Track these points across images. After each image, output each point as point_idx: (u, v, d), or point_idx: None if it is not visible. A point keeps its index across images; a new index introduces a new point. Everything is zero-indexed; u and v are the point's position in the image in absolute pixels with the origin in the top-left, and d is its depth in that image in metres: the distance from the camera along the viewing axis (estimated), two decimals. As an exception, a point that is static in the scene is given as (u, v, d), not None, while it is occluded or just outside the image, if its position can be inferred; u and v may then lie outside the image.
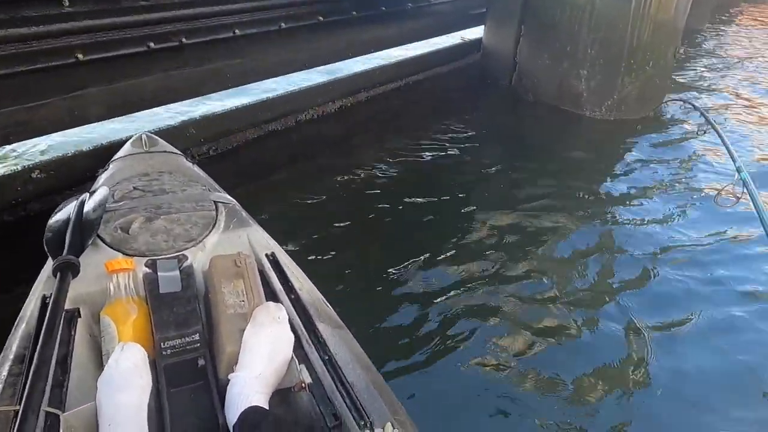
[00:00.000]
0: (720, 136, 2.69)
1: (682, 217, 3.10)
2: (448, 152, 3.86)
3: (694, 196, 3.36)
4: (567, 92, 4.58)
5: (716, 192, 2.68)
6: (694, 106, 3.40)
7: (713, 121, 2.96)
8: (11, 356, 1.14)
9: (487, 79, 5.08)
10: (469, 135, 4.22)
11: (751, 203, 2.18)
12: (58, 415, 1.01)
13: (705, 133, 3.48)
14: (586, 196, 3.32)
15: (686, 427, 1.82)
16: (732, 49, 7.49)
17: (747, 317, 2.30)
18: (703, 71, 6.37)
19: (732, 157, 2.49)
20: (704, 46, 7.56)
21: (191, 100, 2.91)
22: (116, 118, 2.53)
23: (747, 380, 2.00)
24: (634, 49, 4.27)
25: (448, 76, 4.82)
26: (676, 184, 3.55)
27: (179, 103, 2.83)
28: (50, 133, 2.28)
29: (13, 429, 0.88)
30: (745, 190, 2.25)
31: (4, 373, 1.09)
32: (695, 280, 2.52)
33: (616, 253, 2.73)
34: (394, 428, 1.01)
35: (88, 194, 1.65)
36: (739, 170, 2.37)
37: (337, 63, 3.69)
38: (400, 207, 3.09)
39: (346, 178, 3.35)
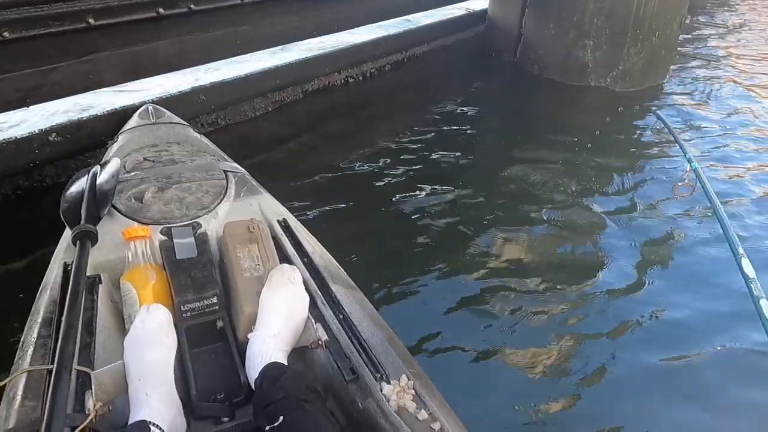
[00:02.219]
0: (671, 132, 2.74)
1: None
2: (452, 125, 3.86)
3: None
4: (572, 63, 4.54)
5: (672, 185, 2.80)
6: (657, 115, 3.34)
7: (664, 119, 2.95)
8: (39, 320, 1.18)
9: (491, 51, 5.04)
10: (473, 107, 4.21)
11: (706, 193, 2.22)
12: (89, 373, 1.05)
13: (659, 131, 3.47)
14: (587, 171, 3.30)
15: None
16: (738, 17, 7.38)
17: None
18: (708, 41, 6.29)
19: (682, 149, 2.52)
20: (711, 15, 7.44)
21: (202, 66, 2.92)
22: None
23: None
24: (640, 18, 4.22)
25: (452, 48, 4.77)
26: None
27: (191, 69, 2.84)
28: (66, 97, 2.30)
29: (48, 386, 0.92)
30: (698, 182, 2.29)
31: (34, 335, 1.14)
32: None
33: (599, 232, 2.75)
34: (408, 380, 1.06)
35: (99, 166, 1.67)
36: (689, 161, 2.43)
37: (341, 32, 3.67)
38: (405, 178, 3.12)
39: (351, 149, 3.37)
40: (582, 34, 4.38)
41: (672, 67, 4.88)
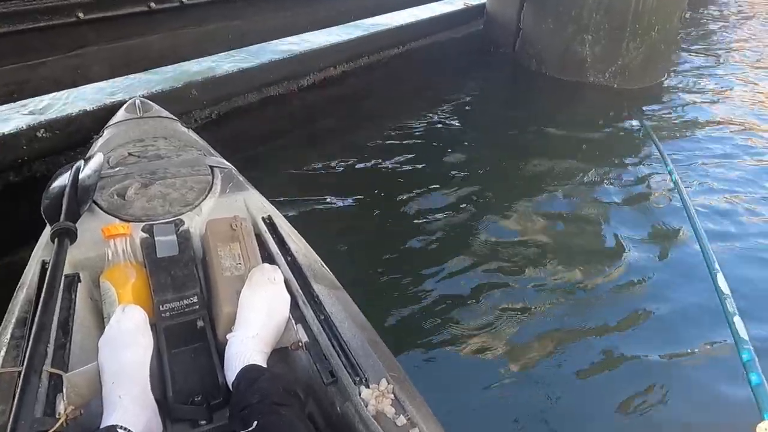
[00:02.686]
0: (656, 143, 2.68)
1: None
2: (448, 121, 3.84)
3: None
4: (571, 58, 4.50)
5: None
6: (641, 122, 3.24)
7: (650, 129, 2.87)
8: (13, 320, 1.15)
9: (489, 46, 4.99)
10: (469, 103, 4.18)
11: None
12: (61, 376, 1.03)
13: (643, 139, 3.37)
14: (581, 170, 3.26)
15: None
16: (738, 11, 7.31)
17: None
18: (709, 36, 6.23)
19: (665, 161, 2.47)
20: (710, 10, 7.37)
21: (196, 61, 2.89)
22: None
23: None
24: (639, 13, 4.17)
25: (449, 43, 4.73)
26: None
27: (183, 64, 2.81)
28: (54, 92, 2.30)
29: (17, 389, 0.90)
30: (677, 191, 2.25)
31: (7, 336, 1.11)
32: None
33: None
34: (388, 383, 1.03)
35: (83, 161, 1.65)
36: (670, 173, 2.40)
37: (336, 26, 3.63)
38: (398, 174, 3.09)
39: (345, 144, 3.35)
40: (581, 29, 4.34)
41: (671, 62, 4.82)
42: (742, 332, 1.39)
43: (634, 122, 3.93)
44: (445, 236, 2.55)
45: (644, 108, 4.20)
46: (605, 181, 3.08)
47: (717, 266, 1.64)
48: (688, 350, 1.84)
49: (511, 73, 4.79)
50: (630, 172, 3.20)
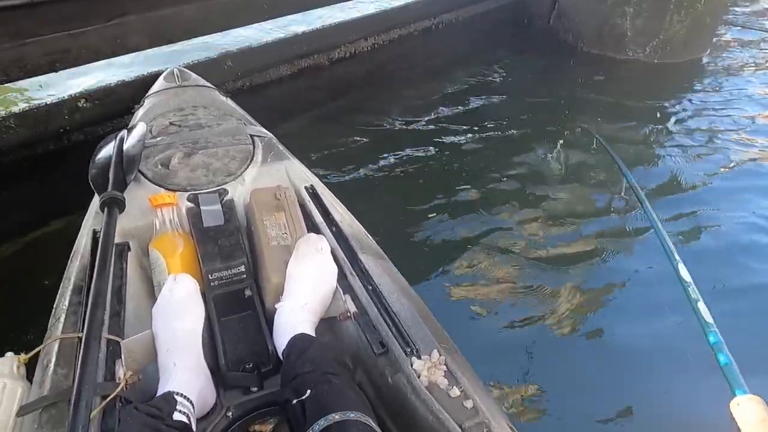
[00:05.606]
0: (611, 154, 2.57)
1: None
2: (482, 96, 3.74)
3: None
4: (610, 32, 4.32)
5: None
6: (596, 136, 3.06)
7: (605, 144, 2.70)
8: (70, 287, 1.18)
9: (523, 19, 4.83)
10: (501, 76, 4.06)
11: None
12: (119, 342, 1.05)
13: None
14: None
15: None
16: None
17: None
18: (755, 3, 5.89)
19: (622, 171, 2.39)
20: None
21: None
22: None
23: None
24: (686, -18, 3.97)
25: (482, 16, 4.59)
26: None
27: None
28: (94, 62, 2.29)
29: (78, 354, 0.92)
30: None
31: (66, 302, 1.14)
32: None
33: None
34: (440, 355, 1.02)
35: (126, 131, 1.65)
36: (625, 175, 2.33)
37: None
38: (435, 146, 3.04)
39: (378, 116, 3.31)
40: (622, 1, 4.15)
41: (715, 36, 4.58)
42: (707, 316, 1.42)
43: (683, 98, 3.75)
44: (491, 211, 2.51)
45: (681, 85, 4.02)
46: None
47: (677, 256, 1.65)
48: (656, 338, 1.88)
49: (545, 47, 4.62)
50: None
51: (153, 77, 2.21)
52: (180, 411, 0.92)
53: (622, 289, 2.14)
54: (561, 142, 3.12)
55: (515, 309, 1.98)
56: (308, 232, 1.31)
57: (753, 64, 4.49)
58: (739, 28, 5.27)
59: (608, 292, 2.12)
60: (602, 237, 2.40)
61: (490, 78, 4.03)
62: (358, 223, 1.42)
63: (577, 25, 4.49)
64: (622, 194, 2.63)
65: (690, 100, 3.82)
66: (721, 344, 1.33)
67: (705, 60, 4.47)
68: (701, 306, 1.46)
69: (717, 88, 4.03)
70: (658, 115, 3.64)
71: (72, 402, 0.80)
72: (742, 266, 2.25)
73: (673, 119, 3.58)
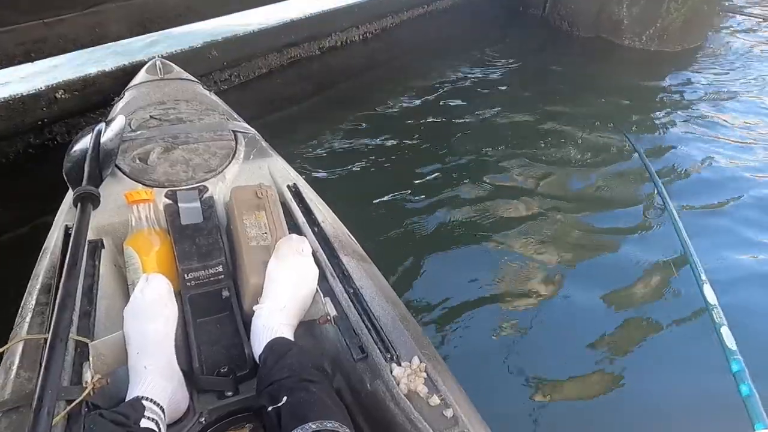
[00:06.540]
0: (643, 160, 2.45)
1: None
2: (476, 86, 3.68)
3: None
4: (606, 20, 4.26)
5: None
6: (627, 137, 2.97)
7: (640, 150, 2.58)
8: (38, 286, 1.13)
9: (518, 6, 4.76)
10: (498, 67, 4.00)
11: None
12: (87, 344, 1.01)
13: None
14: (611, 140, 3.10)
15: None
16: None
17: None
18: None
19: (656, 187, 2.23)
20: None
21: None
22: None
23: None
24: (683, -30, 3.91)
25: (476, 3, 4.52)
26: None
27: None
28: (71, 51, 2.22)
29: (43, 357, 0.88)
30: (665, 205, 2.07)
31: (32, 302, 1.09)
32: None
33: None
34: (421, 362, 0.99)
35: (104, 123, 1.60)
36: (656, 186, 2.22)
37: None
38: (424, 141, 2.99)
39: (368, 109, 3.24)
40: (618, -12, 4.09)
41: (713, 24, 4.53)
42: (731, 342, 1.33)
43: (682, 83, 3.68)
44: (476, 209, 2.46)
45: (679, 73, 3.98)
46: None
47: (704, 277, 1.57)
48: (677, 361, 1.79)
49: (540, 35, 4.56)
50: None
51: (135, 68, 2.15)
52: (148, 417, 0.89)
53: (637, 307, 2.03)
54: (562, 133, 3.09)
55: (501, 314, 1.94)
56: (290, 233, 1.27)
57: (750, 51, 4.44)
58: (735, 15, 5.21)
59: (622, 306, 2.03)
60: (620, 246, 2.31)
61: (486, 68, 3.97)
62: (341, 224, 1.39)
63: (572, 13, 4.43)
64: (654, 206, 2.50)
65: (689, 88, 3.79)
66: (743, 373, 1.24)
67: (702, 47, 4.43)
68: (725, 331, 1.36)
69: (716, 74, 4.00)
70: (657, 102, 3.60)
71: (33, 407, 0.77)
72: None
73: (672, 106, 3.55)
